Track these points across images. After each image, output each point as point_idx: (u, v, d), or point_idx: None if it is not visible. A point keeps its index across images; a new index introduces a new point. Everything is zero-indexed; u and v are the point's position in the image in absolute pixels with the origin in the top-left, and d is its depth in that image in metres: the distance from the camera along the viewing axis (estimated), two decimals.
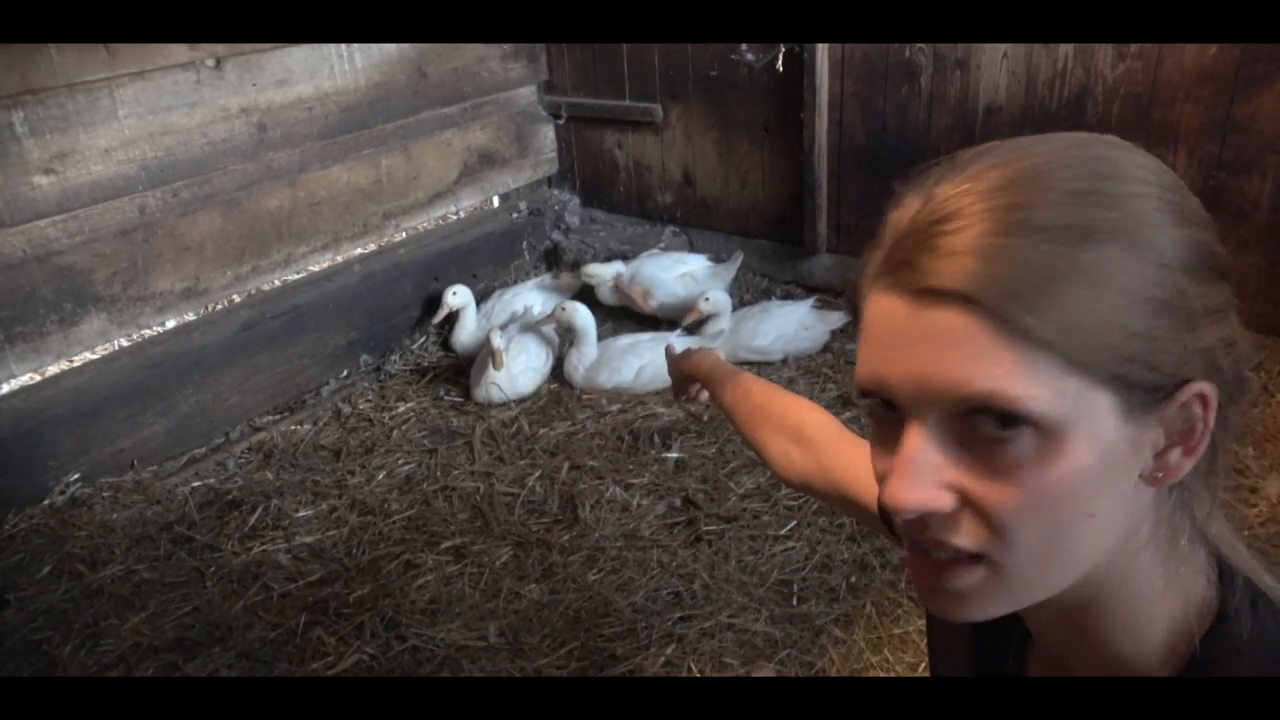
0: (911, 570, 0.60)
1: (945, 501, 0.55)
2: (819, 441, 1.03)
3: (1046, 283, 0.51)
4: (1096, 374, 0.52)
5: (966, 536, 0.55)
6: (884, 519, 0.66)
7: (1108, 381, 0.52)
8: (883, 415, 0.58)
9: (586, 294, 3.44)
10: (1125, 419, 0.53)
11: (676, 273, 3.37)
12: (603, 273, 3.41)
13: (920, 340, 0.54)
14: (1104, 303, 0.51)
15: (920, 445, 0.55)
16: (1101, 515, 0.55)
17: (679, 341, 3.08)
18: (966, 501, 0.55)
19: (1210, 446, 0.57)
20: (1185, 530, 0.60)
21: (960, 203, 0.54)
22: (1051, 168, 0.54)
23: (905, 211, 0.57)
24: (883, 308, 0.56)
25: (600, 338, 3.20)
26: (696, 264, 3.43)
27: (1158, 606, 0.60)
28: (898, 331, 0.55)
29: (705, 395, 1.36)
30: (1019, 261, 0.51)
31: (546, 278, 3.67)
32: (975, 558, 0.56)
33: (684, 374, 1.39)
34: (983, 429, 0.53)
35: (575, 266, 3.71)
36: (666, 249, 3.70)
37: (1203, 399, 0.54)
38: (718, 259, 3.57)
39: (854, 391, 0.61)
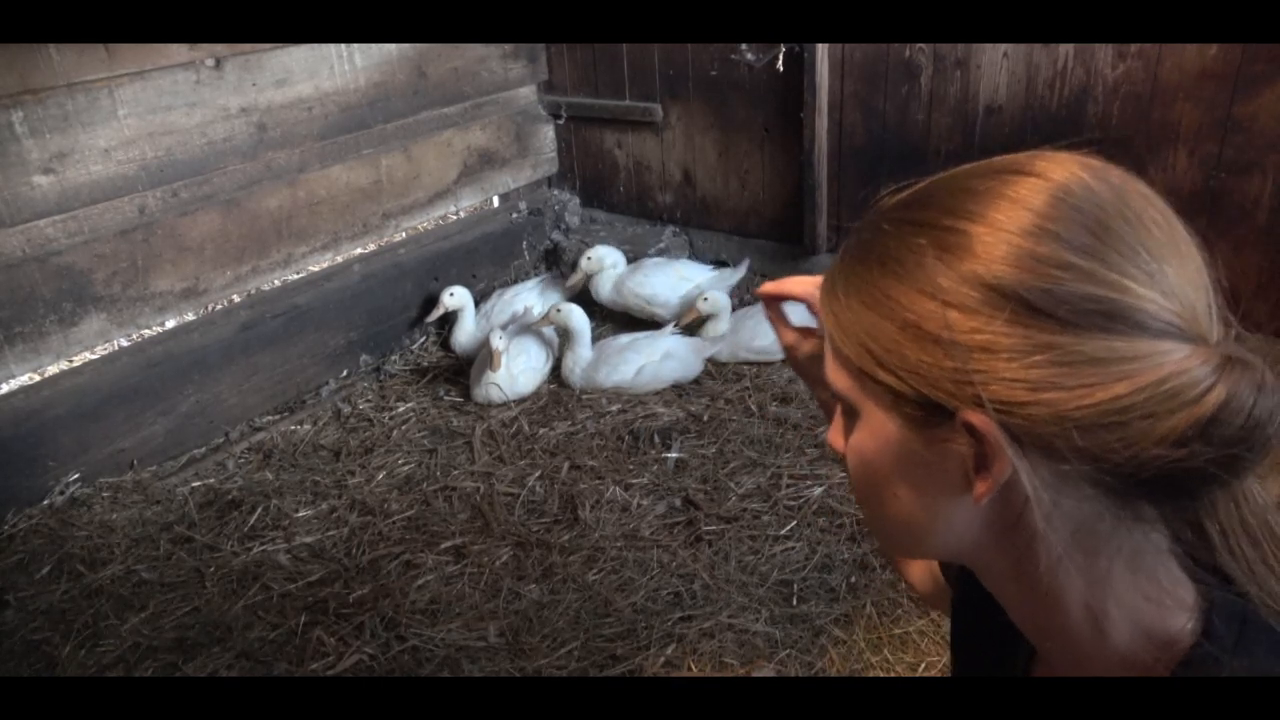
0: None
1: (840, 444, 0.68)
2: None
3: (839, 292, 0.62)
4: (863, 376, 0.60)
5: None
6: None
7: (873, 385, 0.60)
8: None
9: (583, 295, 3.44)
10: (909, 425, 0.59)
11: (682, 290, 3.34)
12: (604, 259, 3.37)
13: None
14: (863, 317, 0.59)
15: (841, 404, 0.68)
16: (908, 502, 0.62)
17: (682, 340, 3.08)
18: None
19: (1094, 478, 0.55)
20: (1142, 552, 0.61)
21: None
22: (912, 194, 0.61)
23: None
24: None
25: (598, 337, 3.20)
26: (703, 278, 3.39)
27: (1105, 605, 0.61)
28: None
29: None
30: (835, 271, 0.63)
31: (548, 278, 3.66)
32: None
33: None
34: None
35: (575, 268, 3.70)
36: (666, 249, 3.69)
37: (974, 428, 0.55)
38: (719, 261, 3.57)
39: None
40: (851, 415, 0.64)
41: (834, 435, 0.71)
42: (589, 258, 3.36)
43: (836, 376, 0.63)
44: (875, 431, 0.62)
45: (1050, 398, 0.53)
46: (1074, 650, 0.64)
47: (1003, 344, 0.54)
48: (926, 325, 0.56)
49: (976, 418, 0.55)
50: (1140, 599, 0.62)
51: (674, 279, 3.36)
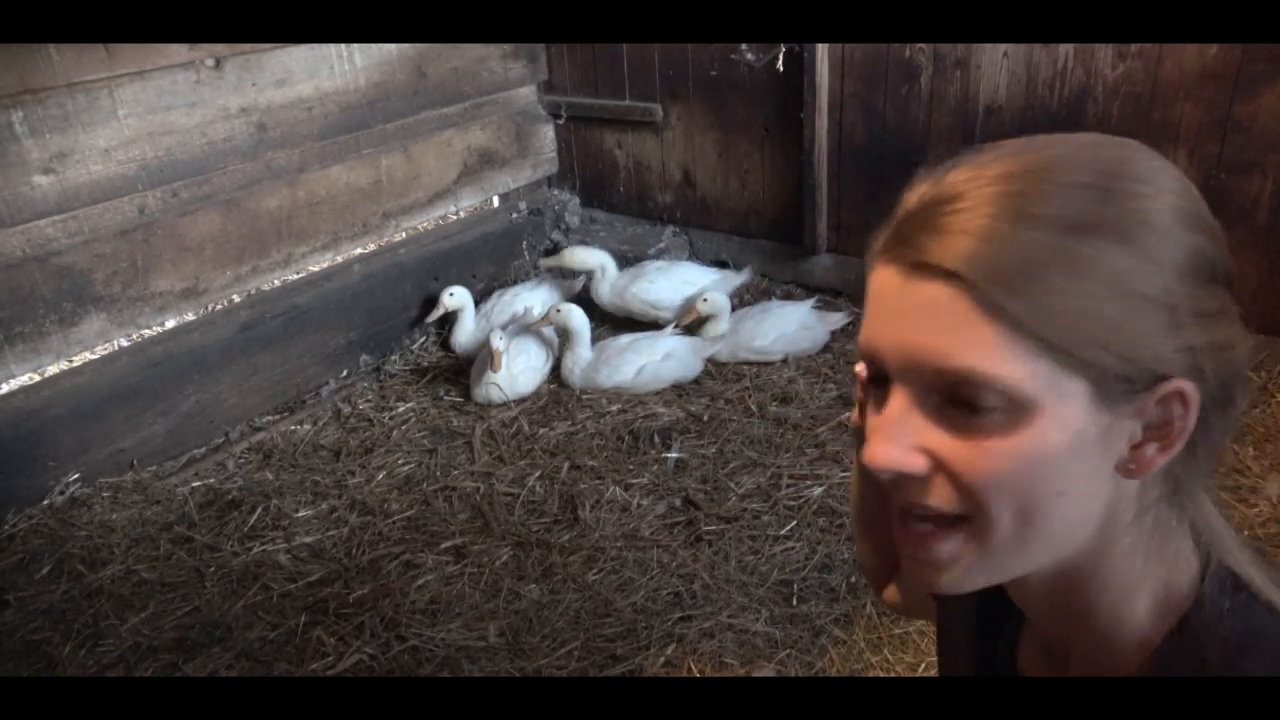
0: (899, 542, 0.62)
1: (918, 463, 0.58)
2: None
3: (1030, 267, 0.53)
4: (1071, 359, 0.54)
5: (939, 499, 0.58)
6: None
7: (1082, 367, 0.54)
8: (875, 387, 0.62)
9: (583, 295, 3.44)
10: (1098, 406, 0.55)
11: (684, 294, 3.33)
12: (589, 260, 3.36)
13: (909, 312, 0.57)
14: (1084, 292, 0.53)
15: (901, 409, 0.58)
16: (1071, 495, 0.57)
17: (682, 341, 3.08)
18: (940, 467, 0.58)
19: (1190, 445, 0.58)
20: (1170, 524, 0.62)
21: (965, 187, 0.57)
22: (1059, 162, 0.56)
23: (915, 192, 0.60)
24: (881, 279, 0.59)
25: (598, 337, 3.20)
26: (706, 280, 3.38)
27: (1138, 590, 0.62)
28: (891, 302, 0.58)
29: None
30: (1007, 245, 0.54)
31: (547, 279, 3.66)
32: (955, 522, 0.59)
33: None
34: (959, 400, 0.56)
35: (568, 277, 3.68)
36: (666, 249, 3.69)
37: (1181, 397, 0.56)
38: (718, 261, 3.56)
39: (856, 360, 0.65)
40: (1014, 412, 0.55)
41: (892, 449, 0.58)
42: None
43: (1011, 368, 0.54)
44: (1064, 421, 0.55)
45: (1234, 353, 0.57)
46: (1097, 631, 0.64)
47: (1207, 307, 0.56)
48: (1152, 294, 0.54)
49: (1185, 384, 0.56)
50: (1160, 563, 0.62)
51: (677, 283, 3.35)
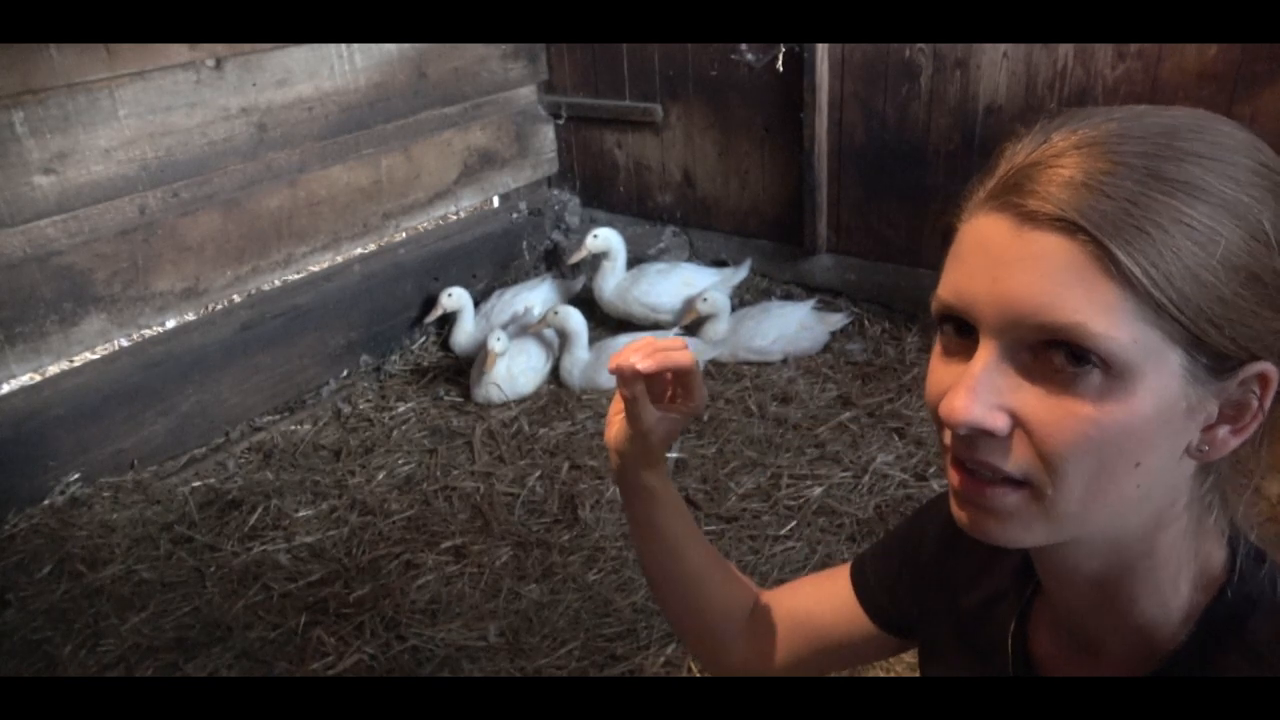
0: (956, 487, 0.61)
1: (1000, 423, 0.56)
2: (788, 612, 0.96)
3: (1152, 228, 0.52)
4: (1175, 329, 0.53)
5: (1014, 463, 0.57)
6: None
7: (1183, 339, 0.53)
8: (956, 339, 0.60)
9: (582, 297, 3.43)
10: (1190, 382, 0.55)
11: (685, 296, 3.33)
12: (611, 240, 3.36)
13: (1016, 261, 0.55)
14: (1200, 260, 0.52)
15: (988, 365, 0.56)
16: (1145, 469, 0.56)
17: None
18: (1022, 428, 0.56)
19: (1257, 432, 0.58)
20: (1214, 510, 0.62)
21: (1081, 142, 0.55)
22: (1175, 129, 0.55)
23: (1022, 147, 0.58)
24: (984, 228, 0.57)
25: (597, 338, 3.20)
26: (708, 282, 3.38)
27: (1181, 577, 0.63)
28: (996, 251, 0.56)
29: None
30: (1130, 201, 0.52)
31: (548, 278, 3.66)
32: (1020, 483, 0.57)
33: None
34: (1053, 360, 0.54)
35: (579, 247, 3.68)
36: (666, 249, 3.69)
37: (1263, 380, 0.56)
38: (718, 261, 3.55)
39: (931, 312, 0.62)
40: (1111, 378, 0.53)
41: (973, 404, 0.56)
42: (595, 235, 3.35)
43: (1120, 330, 0.52)
44: (1158, 392, 0.54)
45: None
46: (1143, 615, 0.63)
47: None
48: (1260, 272, 0.53)
49: (1269, 367, 0.55)
50: (1199, 541, 0.63)
51: (678, 285, 3.35)
